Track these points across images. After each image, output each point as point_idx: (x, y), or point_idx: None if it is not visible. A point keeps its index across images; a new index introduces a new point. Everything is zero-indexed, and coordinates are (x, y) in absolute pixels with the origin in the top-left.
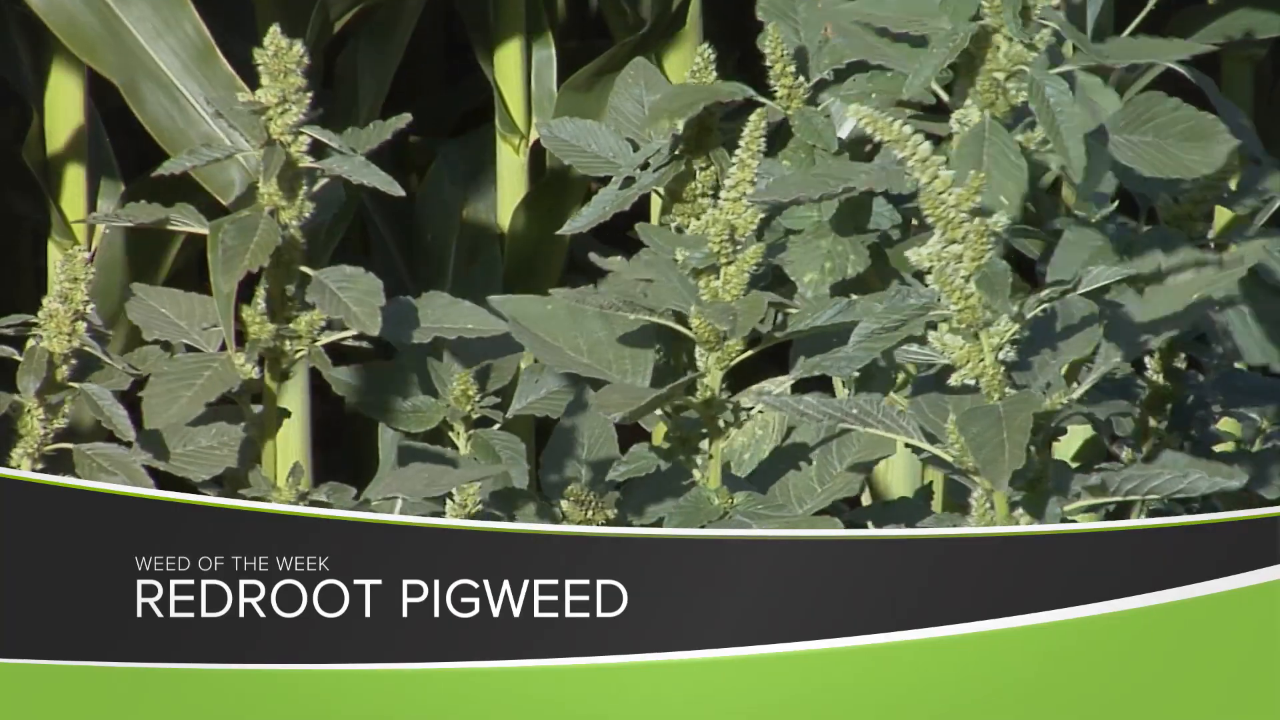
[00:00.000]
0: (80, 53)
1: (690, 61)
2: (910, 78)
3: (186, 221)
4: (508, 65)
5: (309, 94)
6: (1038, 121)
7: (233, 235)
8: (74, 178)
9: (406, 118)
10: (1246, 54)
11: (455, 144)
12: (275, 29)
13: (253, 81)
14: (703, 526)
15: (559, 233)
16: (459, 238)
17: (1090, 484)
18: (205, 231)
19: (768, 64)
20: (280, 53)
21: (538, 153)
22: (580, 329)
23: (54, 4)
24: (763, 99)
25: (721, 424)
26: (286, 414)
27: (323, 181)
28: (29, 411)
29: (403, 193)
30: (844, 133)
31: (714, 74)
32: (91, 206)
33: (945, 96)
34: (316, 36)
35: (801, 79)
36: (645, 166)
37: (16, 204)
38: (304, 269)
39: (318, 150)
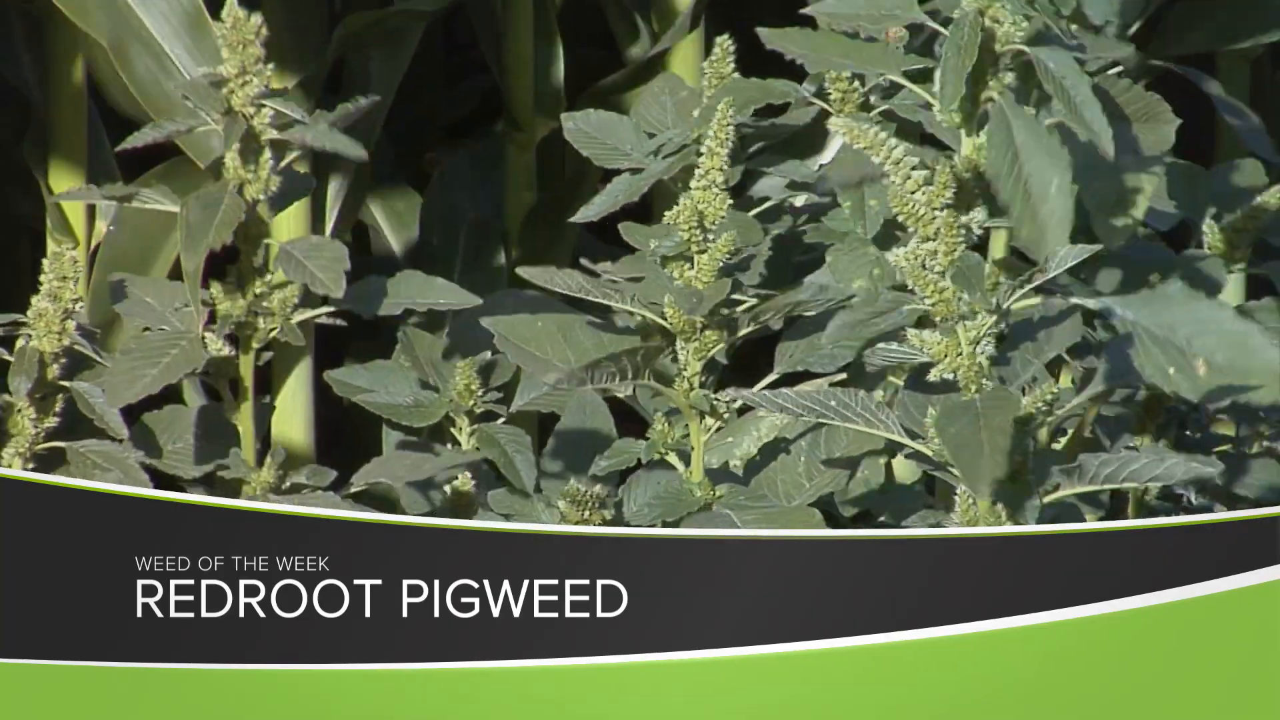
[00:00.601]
0: (70, 12)
1: (693, 59)
2: (940, 94)
3: (158, 199)
4: (516, 65)
5: (269, 65)
6: (1051, 95)
7: (196, 211)
8: (73, 177)
9: (376, 98)
10: (1243, 50)
11: (461, 144)
12: (233, 1)
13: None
14: (683, 518)
15: (571, 220)
16: (464, 238)
17: (1068, 468)
18: (175, 209)
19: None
20: (239, 24)
21: (545, 152)
22: (569, 343)
23: None
24: (815, 100)
25: (701, 417)
26: (271, 407)
27: (292, 156)
28: (20, 411)
29: (364, 154)
30: (829, 155)
31: (732, 64)
32: (92, 206)
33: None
34: (338, 47)
35: (856, 83)
36: (656, 154)
37: (16, 204)
38: (269, 241)
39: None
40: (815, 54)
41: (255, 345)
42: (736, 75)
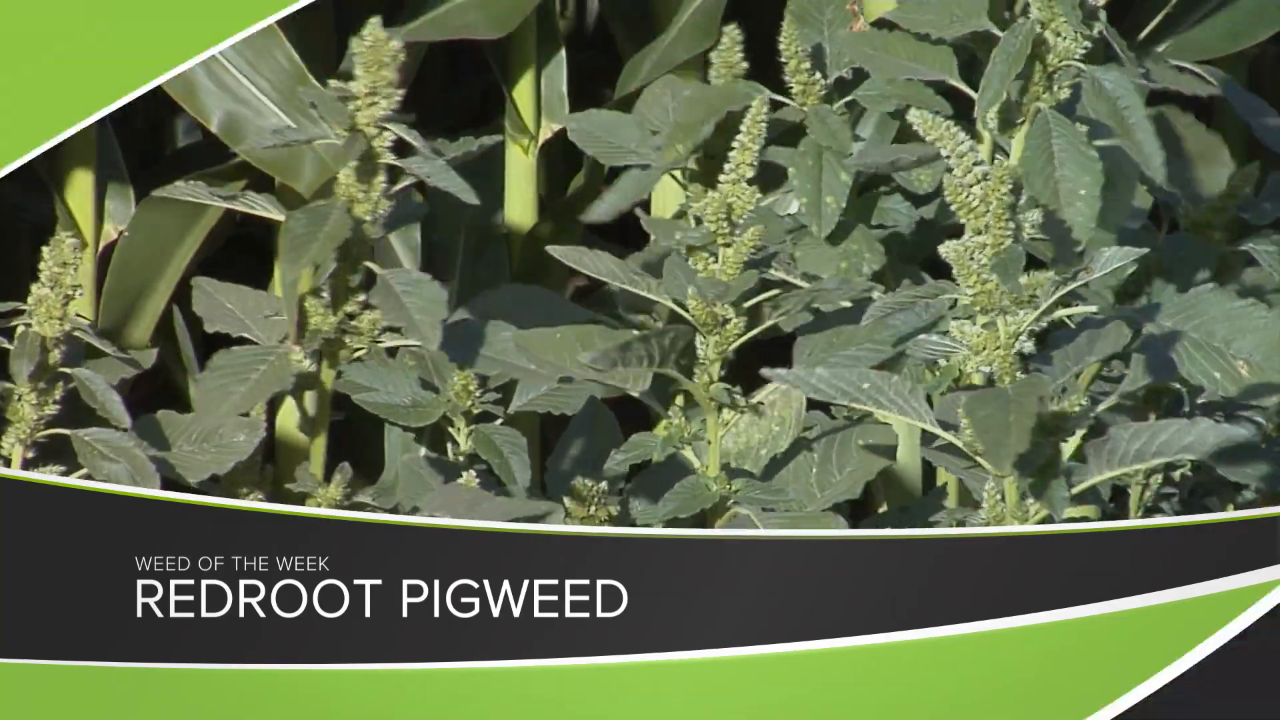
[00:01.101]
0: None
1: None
2: (981, 93)
3: (264, 206)
4: (518, 67)
5: (399, 90)
6: (1098, 114)
7: (303, 223)
8: (82, 179)
9: (499, 138)
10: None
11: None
12: (374, 21)
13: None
14: (699, 513)
15: (582, 219)
16: (465, 237)
17: (1096, 443)
18: (279, 217)
19: (783, 60)
20: (377, 44)
21: (547, 154)
22: (587, 348)
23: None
24: (781, 98)
25: (720, 410)
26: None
27: (404, 184)
28: (20, 398)
29: (478, 201)
30: (866, 131)
31: (740, 53)
32: (99, 206)
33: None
34: (341, 51)
35: (818, 76)
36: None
37: (18, 203)
38: (370, 265)
39: (401, 152)
40: (884, 55)
41: (340, 363)
42: (745, 65)
